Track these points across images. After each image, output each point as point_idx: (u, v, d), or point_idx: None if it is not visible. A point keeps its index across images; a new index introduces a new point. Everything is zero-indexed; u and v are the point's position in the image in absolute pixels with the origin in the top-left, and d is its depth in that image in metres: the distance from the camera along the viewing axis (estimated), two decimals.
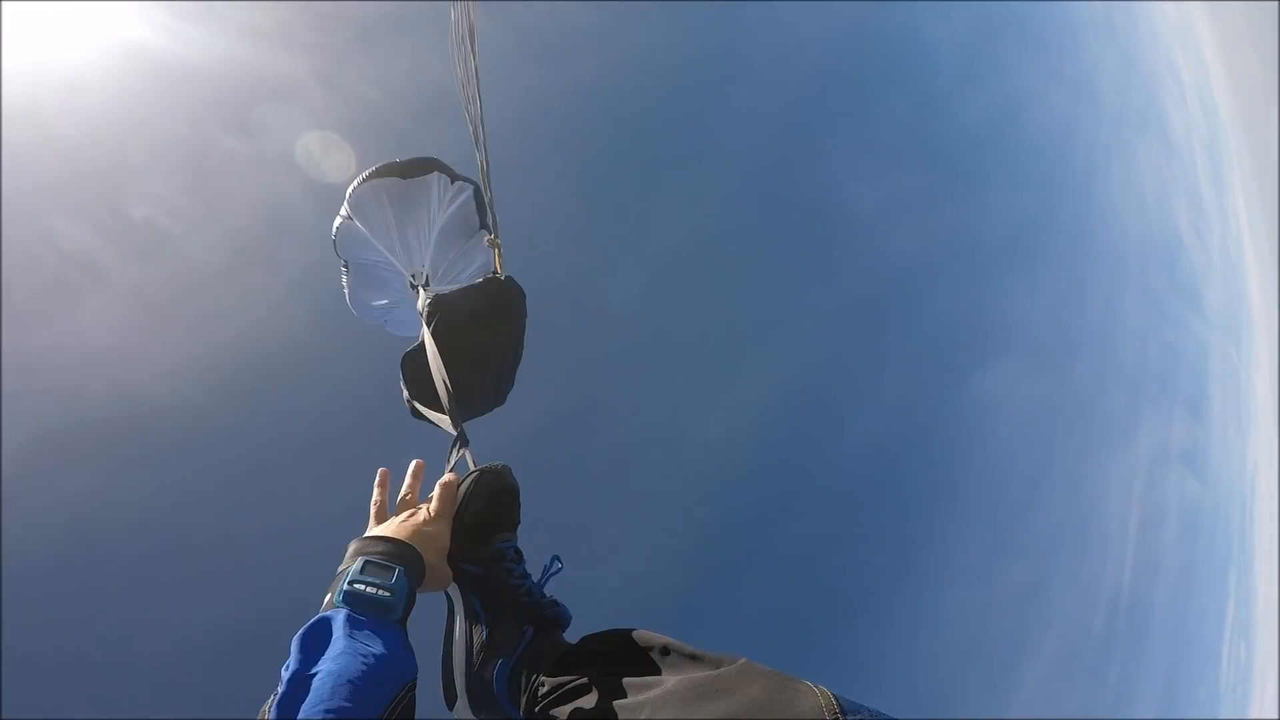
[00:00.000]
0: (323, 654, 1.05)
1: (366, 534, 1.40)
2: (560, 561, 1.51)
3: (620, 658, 1.21)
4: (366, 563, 1.25)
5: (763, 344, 12.03)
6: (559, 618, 1.44)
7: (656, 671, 1.13)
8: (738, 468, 11.16)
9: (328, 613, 1.16)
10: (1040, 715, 14.65)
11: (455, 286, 2.24)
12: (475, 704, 1.36)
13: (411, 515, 1.46)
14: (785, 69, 13.85)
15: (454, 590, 1.47)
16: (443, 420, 1.82)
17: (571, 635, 1.42)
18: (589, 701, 1.14)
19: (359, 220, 2.30)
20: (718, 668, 1.07)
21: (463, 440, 1.73)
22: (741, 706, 0.96)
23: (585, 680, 1.19)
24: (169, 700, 5.94)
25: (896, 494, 13.60)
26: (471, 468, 1.58)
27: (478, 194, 2.31)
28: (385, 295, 2.60)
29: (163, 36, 7.69)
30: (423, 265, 2.29)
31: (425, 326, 1.96)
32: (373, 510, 1.50)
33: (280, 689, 0.98)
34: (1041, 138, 20.46)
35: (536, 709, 1.26)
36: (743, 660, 1.07)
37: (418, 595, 1.32)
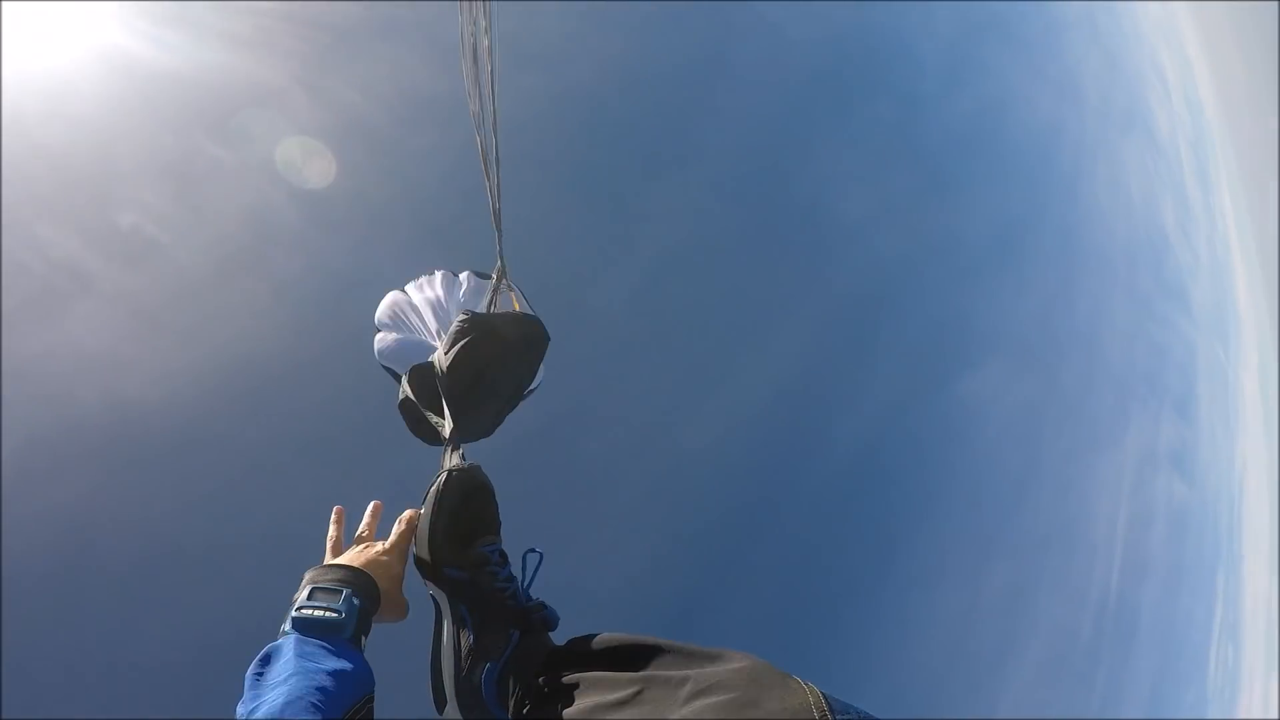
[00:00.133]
0: (274, 679, 1.08)
1: (320, 564, 1.43)
2: (538, 551, 1.51)
3: (608, 657, 1.22)
4: (315, 589, 1.29)
5: (748, 345, 12.05)
6: (546, 620, 1.46)
7: (645, 669, 1.14)
8: (724, 468, 11.17)
9: (277, 641, 1.19)
10: (1027, 717, 14.63)
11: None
12: (464, 708, 1.38)
13: (367, 547, 1.49)
14: (770, 70, 13.90)
15: (440, 595, 1.49)
16: (442, 424, 1.78)
17: (561, 637, 1.44)
18: (578, 702, 1.15)
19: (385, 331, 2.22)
20: (707, 664, 1.07)
21: (455, 444, 1.71)
22: (731, 702, 0.96)
23: (574, 681, 1.20)
24: (169, 700, 5.97)
25: (882, 495, 13.59)
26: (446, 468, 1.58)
27: (478, 273, 2.23)
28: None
29: (143, 44, 7.72)
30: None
31: (456, 342, 1.86)
32: (328, 545, 1.53)
33: None
34: (1026, 138, 20.49)
35: (525, 711, 1.28)
36: (733, 655, 1.08)
37: (374, 625, 1.34)
